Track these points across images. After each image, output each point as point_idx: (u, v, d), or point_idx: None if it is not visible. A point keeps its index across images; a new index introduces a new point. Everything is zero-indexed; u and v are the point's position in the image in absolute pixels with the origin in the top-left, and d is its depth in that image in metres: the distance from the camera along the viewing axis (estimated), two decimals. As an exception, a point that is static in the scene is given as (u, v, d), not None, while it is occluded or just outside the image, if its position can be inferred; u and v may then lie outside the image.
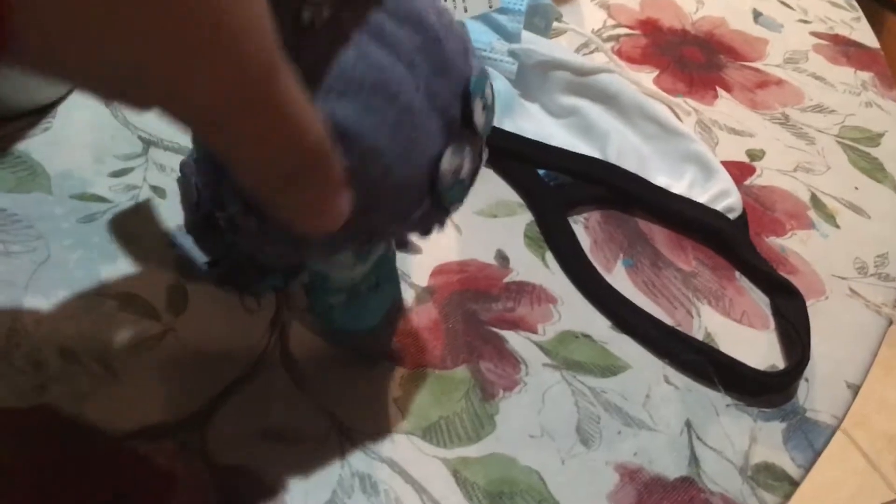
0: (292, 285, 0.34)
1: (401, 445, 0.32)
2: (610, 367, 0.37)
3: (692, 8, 0.66)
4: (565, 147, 0.46)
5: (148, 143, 0.40)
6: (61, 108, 0.40)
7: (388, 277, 0.35)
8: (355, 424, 0.32)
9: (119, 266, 0.35)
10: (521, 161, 0.45)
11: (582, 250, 0.42)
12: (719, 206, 0.45)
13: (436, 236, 0.40)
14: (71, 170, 0.38)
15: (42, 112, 0.40)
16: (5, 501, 0.27)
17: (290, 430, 0.31)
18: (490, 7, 0.45)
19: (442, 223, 0.29)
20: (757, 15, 0.67)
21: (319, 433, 0.31)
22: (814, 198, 0.50)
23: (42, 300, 0.32)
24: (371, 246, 0.30)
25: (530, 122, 0.48)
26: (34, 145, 0.38)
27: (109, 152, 0.39)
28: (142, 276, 0.35)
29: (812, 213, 0.49)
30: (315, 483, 0.30)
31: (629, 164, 0.46)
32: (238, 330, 0.34)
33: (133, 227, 0.36)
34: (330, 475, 0.30)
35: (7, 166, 0.37)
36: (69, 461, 0.28)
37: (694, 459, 0.35)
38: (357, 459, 0.31)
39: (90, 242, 0.35)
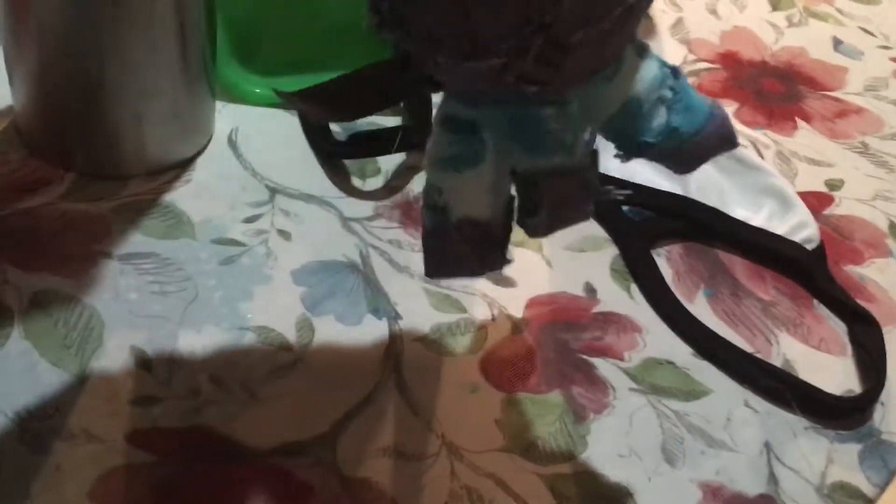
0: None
1: (503, 462, 0.36)
2: (693, 392, 0.41)
3: (772, 39, 0.68)
4: (648, 184, 0.49)
5: (273, 191, 0.45)
6: (199, 161, 0.46)
7: None
8: (462, 443, 0.36)
9: (255, 303, 0.40)
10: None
11: (664, 282, 0.45)
12: (797, 238, 0.48)
13: (528, 270, 0.44)
14: (210, 217, 0.43)
15: (183, 166, 0.46)
16: (171, 506, 0.32)
17: (406, 448, 0.36)
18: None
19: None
20: (837, 43, 0.69)
21: (432, 451, 0.36)
22: (892, 226, 0.52)
23: (193, 334, 0.38)
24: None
25: (614, 160, 0.51)
26: (179, 196, 0.44)
27: (241, 200, 0.45)
28: (274, 311, 0.40)
29: (890, 242, 0.51)
30: (429, 494, 0.34)
31: (710, 199, 0.49)
32: (358, 360, 0.39)
33: (265, 267, 0.42)
34: (442, 487, 0.35)
35: (158, 216, 0.43)
36: (223, 475, 0.33)
37: (773, 478, 0.38)
38: (465, 474, 0.35)
39: (230, 282, 0.40)
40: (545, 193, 0.29)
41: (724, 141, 0.32)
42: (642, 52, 0.30)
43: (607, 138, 0.31)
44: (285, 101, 0.33)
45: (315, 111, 0.37)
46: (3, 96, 0.45)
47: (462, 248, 0.30)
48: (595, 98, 0.29)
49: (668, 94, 0.30)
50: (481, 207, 0.30)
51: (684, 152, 0.31)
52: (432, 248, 0.31)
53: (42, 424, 0.33)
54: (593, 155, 0.31)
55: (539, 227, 0.30)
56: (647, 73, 0.30)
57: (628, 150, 0.31)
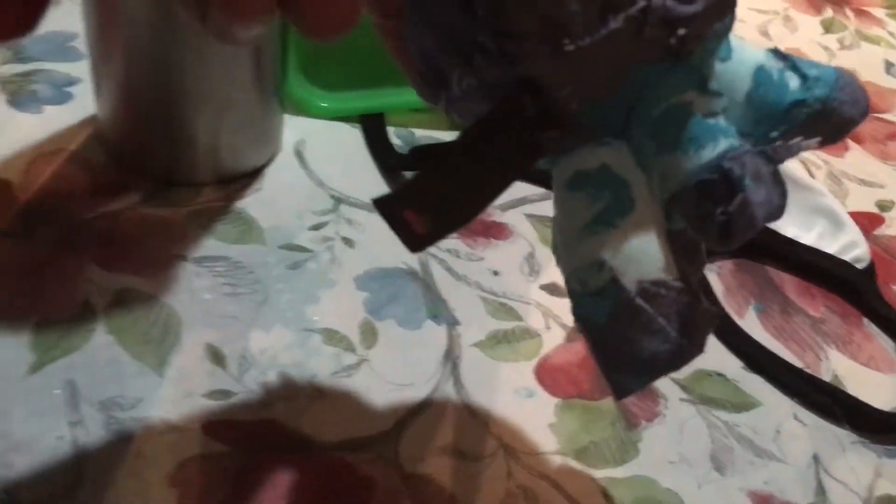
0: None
1: (557, 465, 0.37)
2: (742, 404, 0.42)
3: (824, 60, 0.69)
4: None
5: (338, 201, 0.48)
6: (268, 171, 0.49)
7: None
8: (518, 445, 0.38)
9: (321, 306, 0.42)
10: (658, 214, 0.50)
11: (715, 296, 0.46)
12: (847, 257, 0.49)
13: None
14: (279, 224, 0.46)
15: (254, 175, 0.48)
16: (243, 501, 0.34)
17: (464, 447, 0.37)
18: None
19: None
20: (889, 66, 0.69)
21: (489, 451, 0.37)
22: (943, 248, 0.52)
23: (263, 334, 0.40)
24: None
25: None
26: (249, 203, 0.46)
27: (308, 209, 0.47)
28: (339, 314, 0.42)
29: (941, 263, 0.51)
30: (487, 493, 0.36)
31: (760, 217, 0.50)
32: (418, 362, 0.40)
33: (329, 273, 0.44)
34: (498, 487, 0.36)
35: (230, 222, 0.45)
36: (291, 466, 0.35)
37: (821, 490, 0.39)
38: (521, 475, 0.37)
39: (297, 286, 0.42)
40: (732, 168, 0.23)
41: (862, 91, 0.27)
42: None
43: (752, 123, 0.26)
44: (385, 215, 0.26)
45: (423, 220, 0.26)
46: (88, 106, 0.48)
47: (658, 324, 0.24)
48: (722, 77, 0.26)
49: (784, 60, 0.27)
50: (660, 261, 0.24)
51: (841, 105, 0.27)
52: (617, 349, 0.25)
53: (125, 414, 0.36)
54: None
55: (743, 211, 0.23)
56: (759, 51, 0.27)
57: (783, 121, 0.26)
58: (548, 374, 0.41)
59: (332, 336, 0.41)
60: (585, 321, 0.26)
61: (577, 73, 0.23)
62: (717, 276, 0.48)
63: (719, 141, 0.24)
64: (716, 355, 0.44)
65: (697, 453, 0.39)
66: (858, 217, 0.52)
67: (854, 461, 0.40)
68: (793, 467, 0.39)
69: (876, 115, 0.64)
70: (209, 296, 0.41)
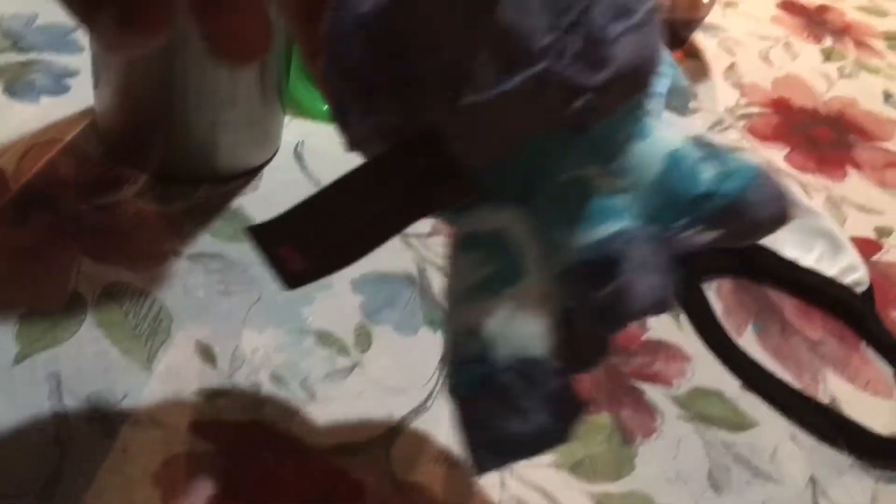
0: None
1: (551, 477, 0.37)
2: (740, 423, 0.41)
3: (823, 88, 0.69)
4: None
5: (336, 204, 0.47)
6: (266, 170, 0.48)
7: None
8: (512, 456, 0.37)
9: (316, 308, 0.41)
10: (658, 230, 0.49)
11: (714, 315, 0.46)
12: (846, 280, 0.48)
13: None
14: (275, 224, 0.45)
15: (251, 174, 0.47)
16: (228, 502, 0.33)
17: (458, 456, 0.36)
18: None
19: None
20: (887, 96, 0.69)
21: (482, 461, 0.36)
22: (941, 276, 0.52)
23: (256, 333, 0.39)
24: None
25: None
26: (246, 202, 0.46)
27: (305, 210, 0.46)
28: (334, 317, 0.41)
29: (939, 291, 0.51)
30: (479, 503, 0.35)
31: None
32: (413, 368, 0.39)
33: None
34: (491, 497, 0.35)
35: (226, 219, 0.44)
36: (280, 469, 0.34)
37: (818, 513, 0.38)
38: (514, 486, 0.36)
39: (292, 286, 0.42)
40: (621, 251, 0.23)
41: (782, 197, 0.27)
42: (669, 125, 0.28)
43: (657, 210, 0.25)
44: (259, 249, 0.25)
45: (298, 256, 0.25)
46: (85, 98, 0.47)
47: (523, 404, 0.23)
48: (633, 157, 0.25)
49: (708, 148, 0.26)
50: (538, 338, 0.23)
51: (749, 206, 0.26)
52: (480, 422, 0.24)
53: (111, 409, 0.35)
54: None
55: (620, 297, 0.23)
56: (679, 134, 0.26)
57: (686, 212, 0.26)
58: (544, 386, 0.40)
59: (326, 338, 0.40)
60: (454, 389, 0.25)
61: (475, 127, 0.22)
62: (716, 294, 0.47)
63: (611, 223, 0.23)
64: (714, 373, 0.43)
65: (694, 471, 0.38)
66: (857, 242, 0.51)
67: (851, 484, 0.39)
68: (790, 488, 0.39)
69: (874, 143, 0.64)
70: (202, 293, 0.40)
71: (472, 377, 0.23)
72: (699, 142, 0.26)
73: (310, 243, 0.25)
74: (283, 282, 0.25)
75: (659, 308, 0.23)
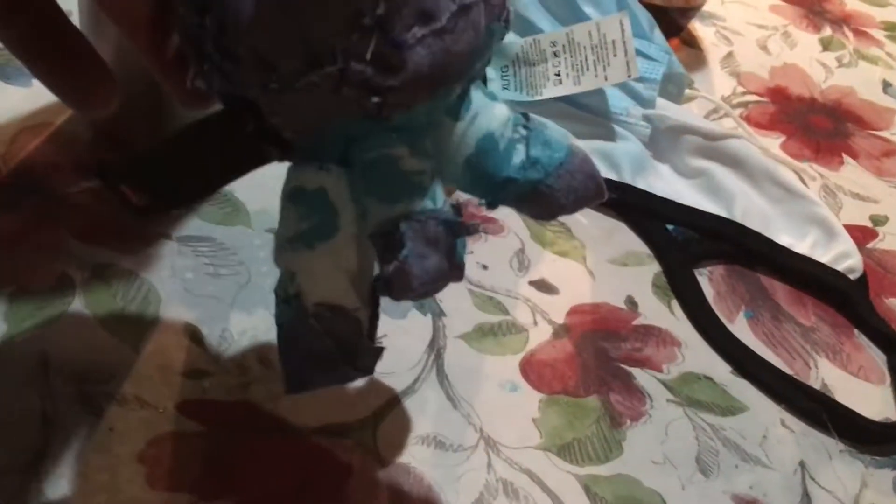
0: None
1: (539, 459, 0.37)
2: (729, 408, 0.41)
3: (821, 77, 0.69)
4: (693, 205, 0.50)
5: (327, 188, 0.47)
6: (258, 156, 0.48)
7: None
8: (500, 438, 0.37)
9: (305, 290, 0.41)
10: (651, 217, 0.49)
11: (706, 300, 0.46)
12: (840, 267, 0.48)
13: (571, 280, 0.44)
14: (266, 208, 0.45)
15: (243, 158, 0.47)
16: (214, 482, 0.33)
17: (445, 438, 0.36)
18: (629, 76, 0.50)
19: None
20: (886, 86, 0.69)
21: (469, 443, 0.36)
22: (936, 263, 0.52)
23: (244, 315, 0.39)
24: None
25: (661, 181, 0.52)
26: (237, 186, 0.45)
27: (296, 194, 0.46)
28: (323, 300, 0.41)
29: (934, 278, 0.51)
30: (466, 483, 0.35)
31: (754, 224, 0.49)
32: (401, 351, 0.39)
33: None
34: (478, 479, 0.35)
35: (216, 203, 0.44)
36: (266, 449, 0.34)
37: (806, 497, 0.38)
38: (501, 468, 0.36)
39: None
40: (406, 232, 0.25)
41: (591, 180, 0.29)
42: (492, 96, 0.29)
43: (468, 186, 0.29)
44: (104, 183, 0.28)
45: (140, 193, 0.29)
46: (77, 81, 0.47)
47: (323, 343, 0.26)
48: (448, 136, 0.27)
49: (524, 131, 0.28)
50: (341, 289, 0.26)
51: (551, 192, 0.28)
52: (288, 351, 0.27)
53: (97, 388, 0.35)
54: (457, 209, 0.27)
55: (400, 276, 0.25)
56: (499, 112, 0.28)
57: (491, 192, 0.29)
58: (533, 369, 0.40)
59: (314, 321, 0.40)
60: (276, 318, 0.28)
61: (284, 108, 0.25)
62: (709, 280, 0.47)
63: (410, 200, 0.26)
64: (704, 358, 0.43)
65: (682, 455, 0.38)
66: (852, 230, 0.51)
67: (841, 470, 0.39)
68: (779, 473, 0.39)
69: (872, 132, 0.63)
70: (191, 275, 0.40)
71: (288, 314, 0.27)
72: (519, 122, 0.28)
73: (146, 185, 0.28)
74: (130, 215, 0.29)
75: (434, 289, 0.26)
